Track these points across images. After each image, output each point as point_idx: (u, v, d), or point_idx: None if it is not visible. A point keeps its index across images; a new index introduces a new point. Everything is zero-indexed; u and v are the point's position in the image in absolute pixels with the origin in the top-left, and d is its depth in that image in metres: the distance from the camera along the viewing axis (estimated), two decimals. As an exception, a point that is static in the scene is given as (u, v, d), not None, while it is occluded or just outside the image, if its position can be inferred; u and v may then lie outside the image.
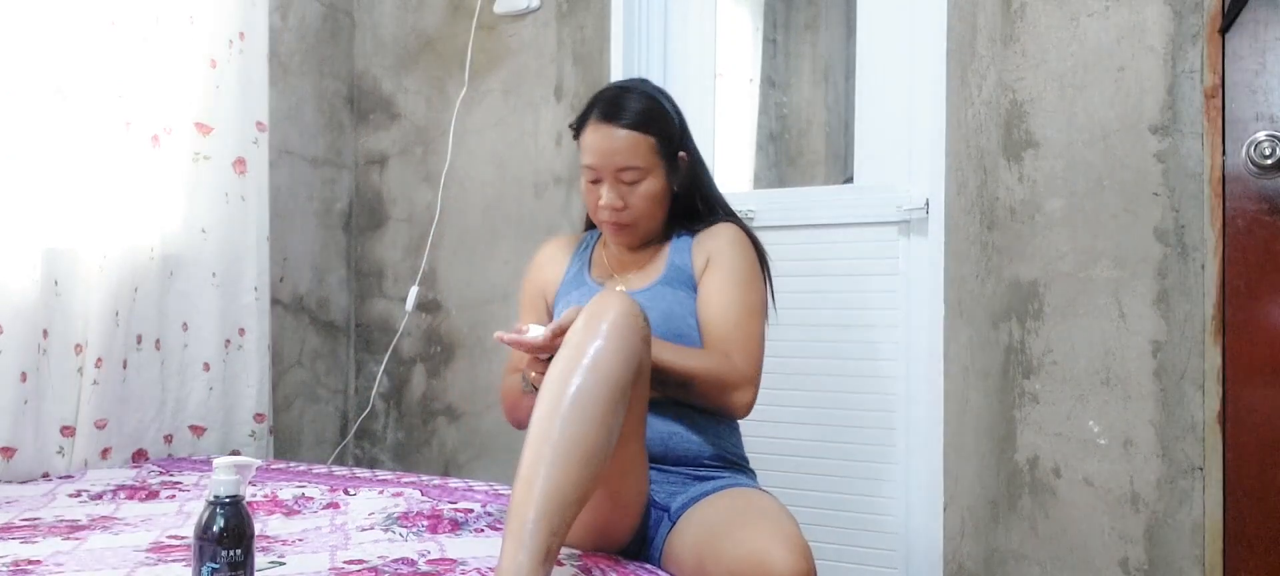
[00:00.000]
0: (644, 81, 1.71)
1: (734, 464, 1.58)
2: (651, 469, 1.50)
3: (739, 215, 1.78)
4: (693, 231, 1.70)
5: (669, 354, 1.48)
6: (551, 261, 1.78)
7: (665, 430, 1.52)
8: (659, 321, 1.54)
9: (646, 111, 1.62)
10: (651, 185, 1.62)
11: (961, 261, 2.01)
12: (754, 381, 1.55)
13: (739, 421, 1.64)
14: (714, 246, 1.64)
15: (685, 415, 1.54)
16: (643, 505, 1.42)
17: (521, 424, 1.56)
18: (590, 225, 1.80)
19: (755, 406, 1.58)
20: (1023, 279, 1.95)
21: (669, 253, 1.68)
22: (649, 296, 1.60)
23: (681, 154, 1.67)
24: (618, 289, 1.62)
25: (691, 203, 1.71)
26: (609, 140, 1.59)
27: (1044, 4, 1.94)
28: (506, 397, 1.68)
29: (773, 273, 1.71)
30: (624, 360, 1.25)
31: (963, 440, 2.00)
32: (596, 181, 1.62)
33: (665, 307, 1.58)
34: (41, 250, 1.99)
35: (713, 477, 1.52)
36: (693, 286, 1.63)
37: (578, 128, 1.67)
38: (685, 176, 1.69)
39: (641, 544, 1.46)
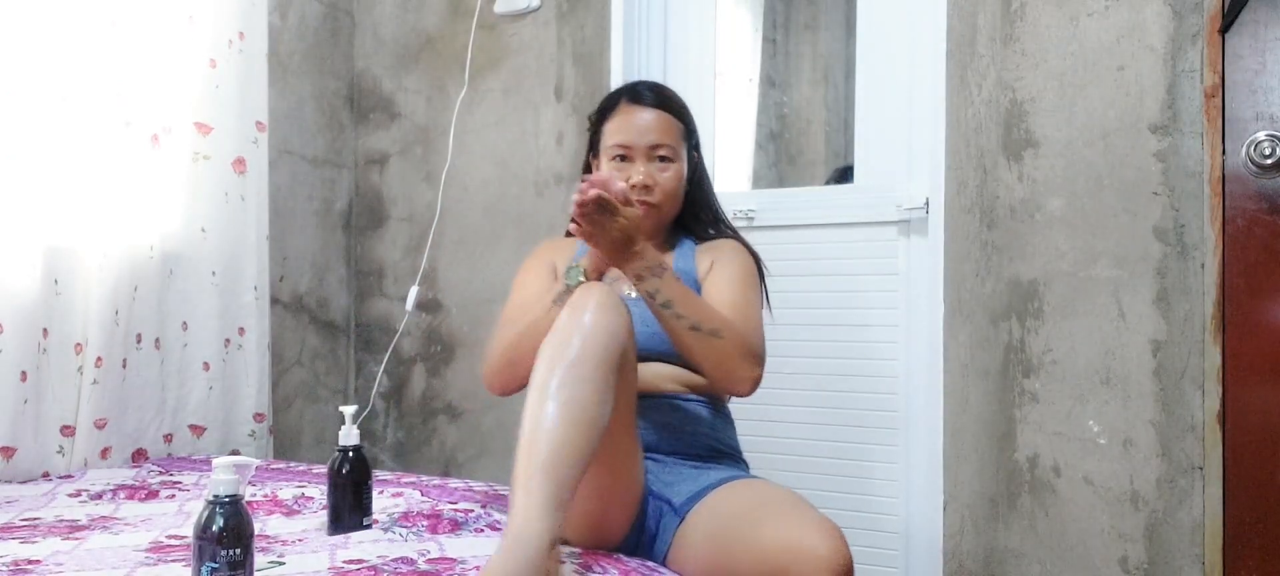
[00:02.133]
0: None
1: (729, 454, 1.59)
2: (646, 458, 1.50)
3: (739, 215, 1.80)
4: (695, 240, 1.75)
5: (701, 304, 1.50)
6: (558, 251, 1.76)
7: (659, 420, 1.53)
8: None
9: (676, 100, 1.72)
10: (677, 170, 1.68)
11: (961, 261, 2.01)
12: (763, 361, 1.54)
13: (734, 417, 1.65)
14: (716, 255, 1.69)
15: (680, 405, 1.56)
16: (639, 496, 1.43)
17: (520, 379, 1.46)
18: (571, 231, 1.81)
19: (756, 405, 1.60)
20: (1022, 278, 1.95)
21: (674, 258, 1.71)
22: None
23: (696, 151, 1.74)
24: (611, 282, 1.63)
25: (696, 208, 1.75)
26: (645, 118, 1.66)
27: (1044, 4, 1.94)
28: (512, 346, 1.52)
29: (770, 280, 1.76)
30: (613, 332, 1.28)
31: (962, 439, 2.00)
32: (626, 159, 1.65)
33: None
34: (42, 249, 1.99)
35: (710, 468, 1.52)
36: (696, 288, 1.65)
37: (600, 116, 1.71)
38: (696, 177, 1.74)
39: (639, 534, 1.46)
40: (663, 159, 1.66)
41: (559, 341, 1.27)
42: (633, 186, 1.62)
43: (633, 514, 1.43)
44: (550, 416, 1.21)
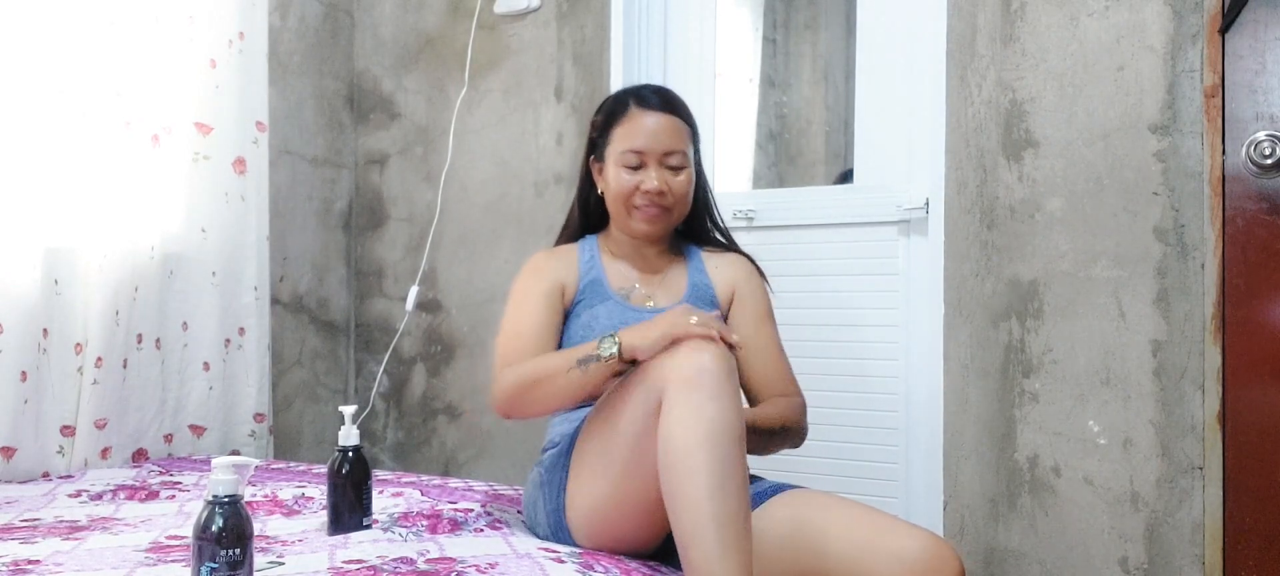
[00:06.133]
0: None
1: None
2: None
3: (739, 215, 1.81)
4: (700, 248, 1.77)
5: (762, 414, 1.58)
6: (561, 266, 1.71)
7: None
8: None
9: (682, 104, 1.72)
10: (688, 176, 1.68)
11: (961, 261, 2.01)
12: (799, 389, 1.69)
13: None
14: (735, 277, 1.73)
15: None
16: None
17: (531, 415, 1.55)
18: (570, 236, 1.79)
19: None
20: (1022, 278, 1.95)
21: (687, 270, 1.73)
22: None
23: (699, 156, 1.74)
24: (633, 291, 1.70)
25: (699, 212, 1.76)
26: (658, 123, 1.65)
27: (1044, 4, 1.94)
28: (528, 378, 1.50)
29: (770, 281, 1.81)
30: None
31: (962, 439, 2.00)
32: (638, 166, 1.65)
33: None
34: (42, 249, 1.99)
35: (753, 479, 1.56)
36: (715, 305, 1.70)
37: (607, 121, 1.69)
38: (699, 182, 1.75)
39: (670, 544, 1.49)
40: (675, 165, 1.65)
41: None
42: (644, 191, 1.63)
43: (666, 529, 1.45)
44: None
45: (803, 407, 1.66)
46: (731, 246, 1.80)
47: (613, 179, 1.66)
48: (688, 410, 1.26)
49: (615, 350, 1.39)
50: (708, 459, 1.23)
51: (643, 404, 1.34)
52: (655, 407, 1.31)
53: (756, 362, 1.66)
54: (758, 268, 1.77)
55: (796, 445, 1.65)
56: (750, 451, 1.45)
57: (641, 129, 1.64)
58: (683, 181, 1.67)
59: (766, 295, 1.75)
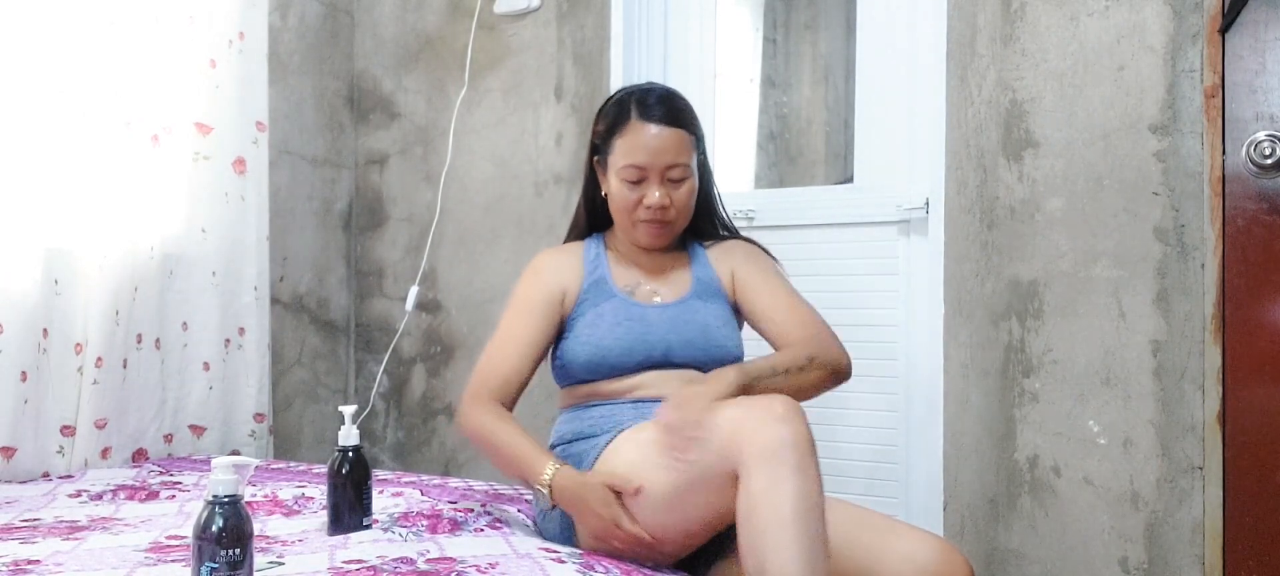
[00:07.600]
0: (664, 85, 1.76)
1: None
2: None
3: (740, 215, 1.81)
4: (702, 243, 1.75)
5: (776, 359, 1.54)
6: (565, 267, 1.70)
7: None
8: (697, 334, 1.59)
9: (685, 110, 1.67)
10: (691, 185, 1.65)
11: (961, 261, 2.01)
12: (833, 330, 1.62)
13: None
14: (733, 260, 1.70)
15: None
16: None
17: (477, 442, 1.62)
18: (578, 233, 1.78)
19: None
20: (1023, 278, 1.95)
21: (691, 265, 1.71)
22: (684, 309, 1.64)
23: (703, 156, 1.71)
24: (636, 287, 1.67)
25: (703, 210, 1.74)
26: (660, 138, 1.60)
27: (1044, 4, 1.94)
28: (487, 439, 1.60)
29: (776, 261, 1.78)
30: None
31: (963, 439, 2.00)
32: (640, 181, 1.61)
33: (702, 321, 1.62)
34: (41, 249, 1.99)
35: None
36: (722, 298, 1.68)
37: (609, 130, 1.65)
38: (703, 180, 1.72)
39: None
40: (677, 177, 1.62)
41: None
42: (647, 206, 1.61)
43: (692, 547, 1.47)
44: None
45: (830, 338, 1.59)
46: (732, 234, 1.78)
47: (615, 191, 1.64)
48: (771, 484, 1.23)
49: (547, 492, 1.48)
50: (796, 535, 1.21)
51: (713, 468, 1.32)
52: (728, 473, 1.29)
53: (774, 316, 1.63)
54: (757, 245, 1.75)
55: (841, 379, 1.60)
56: (793, 395, 1.42)
57: (643, 144, 1.59)
58: (685, 192, 1.63)
59: (768, 258, 1.72)
